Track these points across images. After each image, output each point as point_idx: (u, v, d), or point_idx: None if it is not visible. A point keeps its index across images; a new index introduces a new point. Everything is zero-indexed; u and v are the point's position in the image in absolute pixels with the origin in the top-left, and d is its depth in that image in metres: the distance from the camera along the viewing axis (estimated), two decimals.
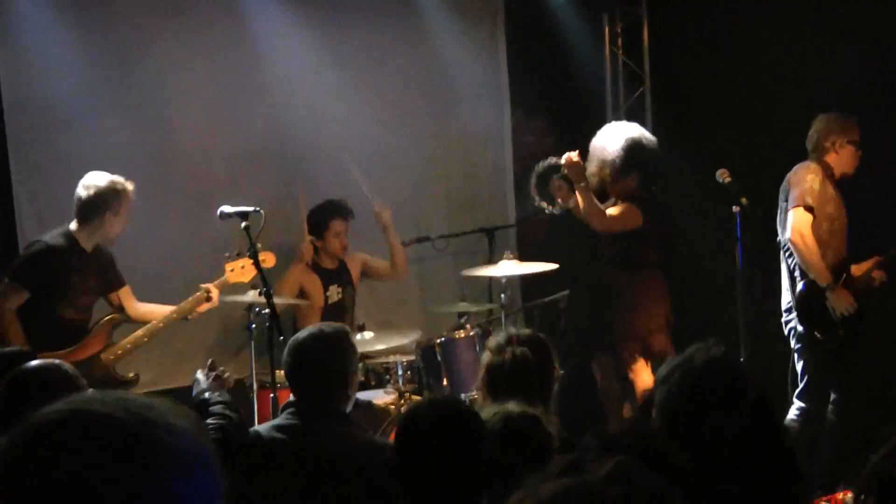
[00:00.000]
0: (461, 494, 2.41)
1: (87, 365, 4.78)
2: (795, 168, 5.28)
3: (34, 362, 3.10)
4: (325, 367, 3.38)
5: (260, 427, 3.65)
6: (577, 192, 5.50)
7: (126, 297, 5.16)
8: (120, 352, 4.95)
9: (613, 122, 6.11)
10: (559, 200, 5.80)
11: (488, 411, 2.68)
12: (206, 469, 0.99)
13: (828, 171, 5.26)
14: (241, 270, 5.08)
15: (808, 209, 5.13)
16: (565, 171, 5.52)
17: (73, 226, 4.93)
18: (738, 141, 6.57)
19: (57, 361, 3.14)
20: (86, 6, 5.67)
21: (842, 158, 5.26)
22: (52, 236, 4.92)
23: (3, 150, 5.45)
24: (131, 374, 5.07)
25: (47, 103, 5.56)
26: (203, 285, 5.10)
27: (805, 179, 5.18)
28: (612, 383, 5.92)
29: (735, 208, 5.10)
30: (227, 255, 5.07)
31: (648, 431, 2.05)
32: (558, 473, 1.15)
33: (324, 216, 5.99)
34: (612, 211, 5.64)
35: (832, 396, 5.36)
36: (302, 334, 3.49)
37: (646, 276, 5.73)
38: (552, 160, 5.74)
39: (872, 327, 5.33)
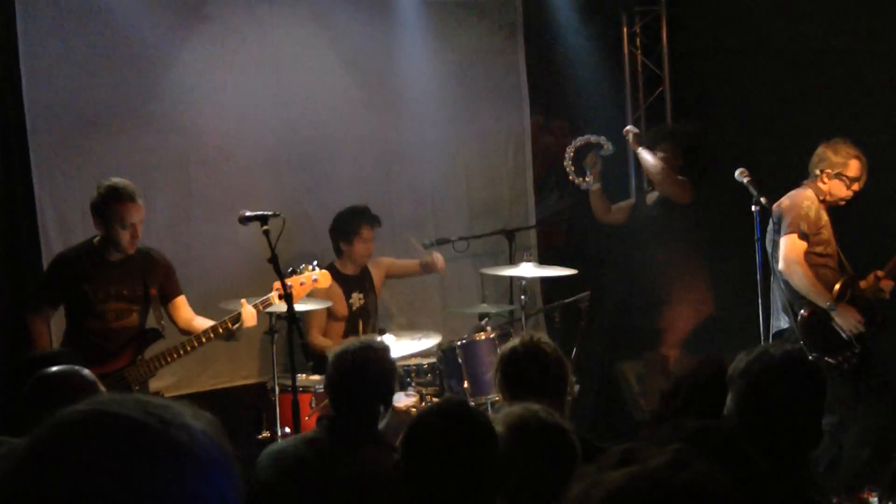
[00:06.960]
0: (471, 499, 2.37)
1: (110, 379, 4.53)
2: (790, 194, 5.25)
3: (55, 367, 3.13)
4: (377, 381, 3.35)
5: (287, 440, 3.65)
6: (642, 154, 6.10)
7: (176, 308, 4.89)
8: (143, 369, 4.69)
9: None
10: (590, 177, 5.92)
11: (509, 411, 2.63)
12: (222, 468, 1.01)
13: (821, 197, 5.24)
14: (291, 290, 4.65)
15: (803, 237, 5.10)
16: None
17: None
18: (758, 140, 6.54)
19: (77, 367, 3.17)
20: (109, 14, 5.71)
21: (832, 188, 5.24)
22: (72, 247, 4.88)
23: (25, 155, 5.49)
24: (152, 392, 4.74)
25: (70, 110, 5.61)
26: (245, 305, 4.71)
27: (801, 206, 5.15)
28: (656, 380, 5.94)
29: (755, 208, 5.08)
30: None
31: (732, 431, 2.09)
32: (615, 464, 1.17)
33: (355, 221, 5.93)
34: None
35: (859, 407, 5.28)
36: (351, 347, 3.43)
37: (694, 271, 5.81)
38: (589, 137, 5.86)
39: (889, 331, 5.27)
